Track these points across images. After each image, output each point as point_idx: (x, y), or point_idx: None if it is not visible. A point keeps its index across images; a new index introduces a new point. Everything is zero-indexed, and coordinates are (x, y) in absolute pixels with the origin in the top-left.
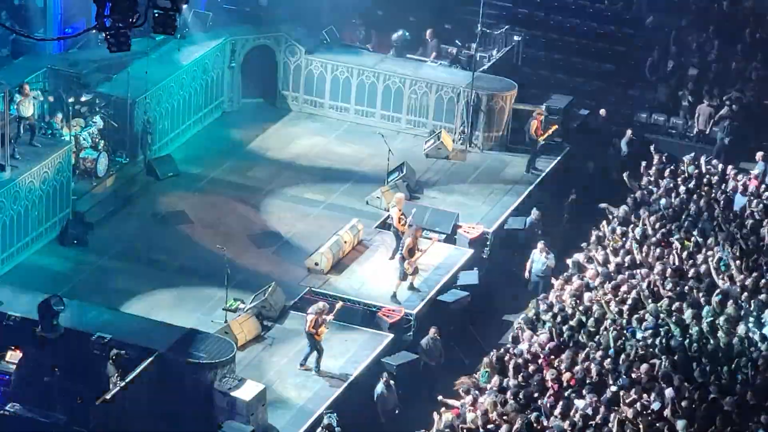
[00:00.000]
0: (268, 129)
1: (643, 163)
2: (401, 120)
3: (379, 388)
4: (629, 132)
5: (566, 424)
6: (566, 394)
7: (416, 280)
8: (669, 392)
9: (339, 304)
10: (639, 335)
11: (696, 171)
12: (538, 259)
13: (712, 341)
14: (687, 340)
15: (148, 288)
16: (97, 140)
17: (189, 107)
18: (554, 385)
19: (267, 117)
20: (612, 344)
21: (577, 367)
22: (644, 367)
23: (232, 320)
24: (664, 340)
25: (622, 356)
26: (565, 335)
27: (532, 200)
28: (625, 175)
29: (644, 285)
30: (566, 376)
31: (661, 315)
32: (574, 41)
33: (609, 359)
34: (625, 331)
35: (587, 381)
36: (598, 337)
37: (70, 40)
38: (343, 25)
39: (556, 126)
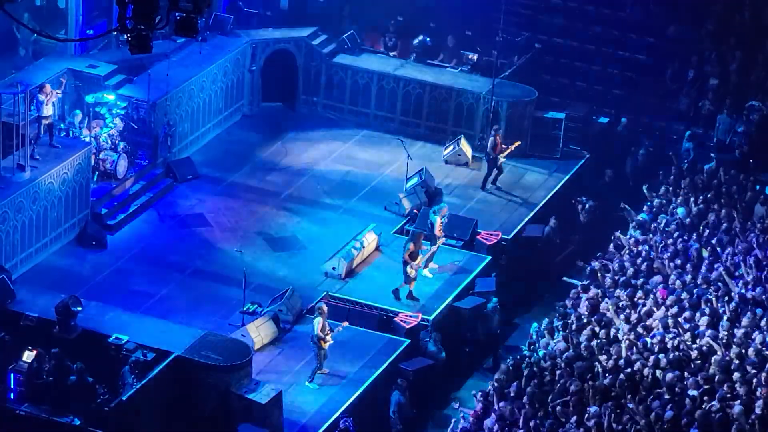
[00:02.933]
0: (288, 133)
1: (661, 173)
2: (421, 126)
3: (396, 396)
4: (647, 141)
5: None
6: (581, 401)
7: (413, 285)
8: (683, 401)
9: (338, 329)
10: (649, 344)
11: (715, 180)
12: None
13: (724, 350)
14: (695, 350)
15: (166, 290)
16: (116, 142)
17: (209, 110)
18: (569, 392)
19: (286, 121)
20: (623, 354)
21: (592, 375)
22: (656, 376)
23: (249, 323)
24: (673, 351)
25: (636, 366)
26: (582, 345)
27: (550, 208)
28: (644, 188)
29: (658, 294)
30: (581, 384)
31: (670, 325)
32: (594, 49)
33: (621, 369)
34: (637, 341)
35: (602, 389)
36: (610, 346)
37: (91, 41)
38: (367, 30)
39: (519, 142)
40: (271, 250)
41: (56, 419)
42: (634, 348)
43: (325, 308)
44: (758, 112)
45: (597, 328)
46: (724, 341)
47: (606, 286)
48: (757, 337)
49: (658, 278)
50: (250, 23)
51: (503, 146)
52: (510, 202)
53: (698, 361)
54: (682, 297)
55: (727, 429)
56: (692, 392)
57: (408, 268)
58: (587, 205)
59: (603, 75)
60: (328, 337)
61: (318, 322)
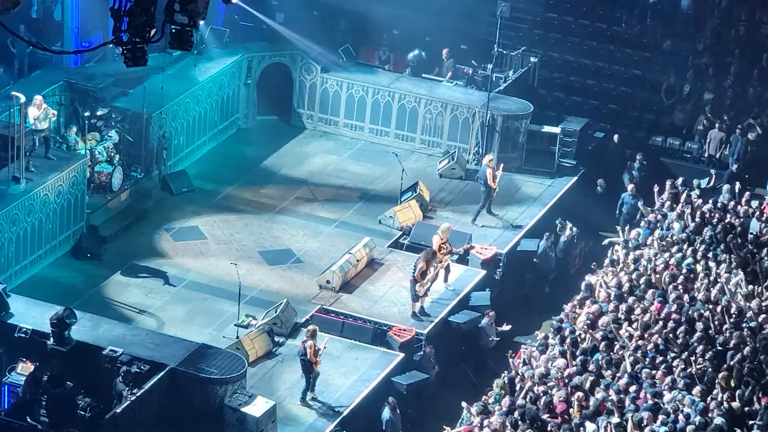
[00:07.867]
0: (283, 146)
1: (656, 188)
2: (415, 140)
3: (386, 413)
4: (640, 156)
5: None
6: (578, 417)
7: (426, 302)
8: (681, 418)
9: (325, 341)
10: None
11: (711, 197)
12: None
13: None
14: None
15: (161, 303)
16: (112, 154)
17: (204, 123)
18: (565, 407)
19: (282, 134)
20: (629, 369)
21: (589, 392)
22: (654, 392)
23: (243, 336)
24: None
25: (638, 382)
26: (578, 359)
27: (545, 222)
28: (640, 204)
29: (653, 308)
30: (578, 399)
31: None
32: (590, 63)
33: (623, 384)
34: (644, 357)
35: (599, 405)
36: (612, 361)
37: (86, 54)
38: (362, 43)
39: (503, 164)
40: (266, 263)
41: None
42: (639, 364)
43: (315, 331)
44: (753, 127)
45: (598, 344)
46: (719, 356)
47: (601, 300)
48: (752, 353)
49: (653, 293)
50: (245, 36)
51: (495, 174)
52: (505, 217)
53: (693, 377)
54: (677, 312)
55: None
56: (687, 409)
57: (417, 286)
58: (568, 230)
59: (599, 89)
60: (318, 360)
61: (310, 345)
